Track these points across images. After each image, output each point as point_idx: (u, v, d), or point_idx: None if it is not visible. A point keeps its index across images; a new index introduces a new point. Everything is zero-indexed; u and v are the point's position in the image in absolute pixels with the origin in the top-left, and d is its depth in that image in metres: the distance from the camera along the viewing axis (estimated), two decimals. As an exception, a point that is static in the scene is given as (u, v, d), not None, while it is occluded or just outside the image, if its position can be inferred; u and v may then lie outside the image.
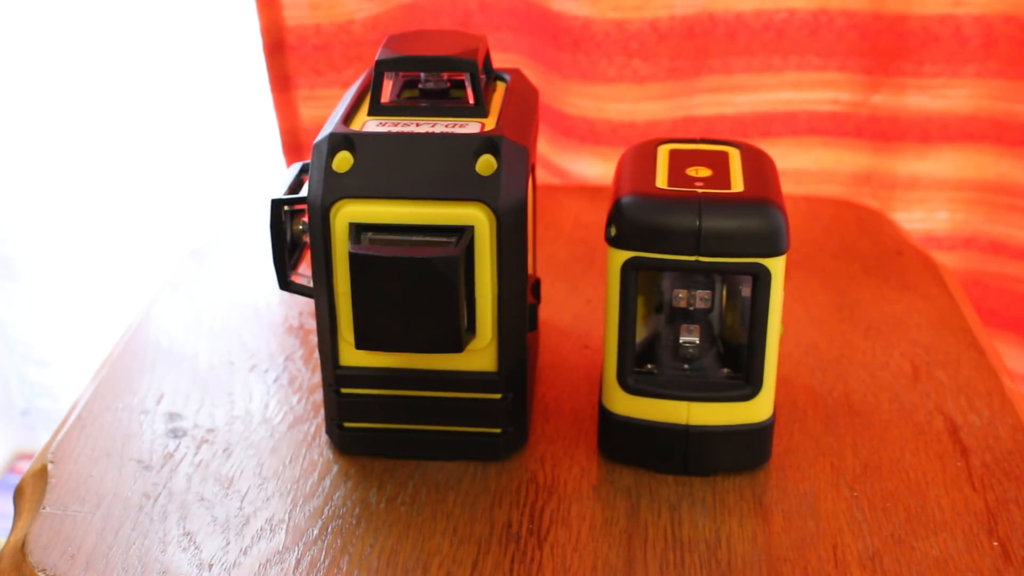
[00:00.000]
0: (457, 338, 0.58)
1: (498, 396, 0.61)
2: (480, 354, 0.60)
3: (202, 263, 0.87)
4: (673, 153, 0.62)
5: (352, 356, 0.61)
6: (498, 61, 1.10)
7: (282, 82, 1.08)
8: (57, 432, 0.66)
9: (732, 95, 1.06)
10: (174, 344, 0.75)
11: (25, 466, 0.70)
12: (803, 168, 1.10)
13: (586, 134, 1.08)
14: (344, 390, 0.62)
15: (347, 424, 0.63)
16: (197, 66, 1.34)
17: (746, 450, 0.61)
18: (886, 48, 1.02)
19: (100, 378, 0.72)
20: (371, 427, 0.63)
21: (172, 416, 0.67)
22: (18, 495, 0.62)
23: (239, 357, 0.74)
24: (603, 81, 1.05)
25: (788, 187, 1.08)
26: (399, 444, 0.63)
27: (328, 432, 0.64)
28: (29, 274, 1.52)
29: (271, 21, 1.05)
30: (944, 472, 0.62)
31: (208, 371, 0.72)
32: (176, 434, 0.66)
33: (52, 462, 0.63)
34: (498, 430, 0.62)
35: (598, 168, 1.09)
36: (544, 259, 0.85)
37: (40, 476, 0.62)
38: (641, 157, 0.62)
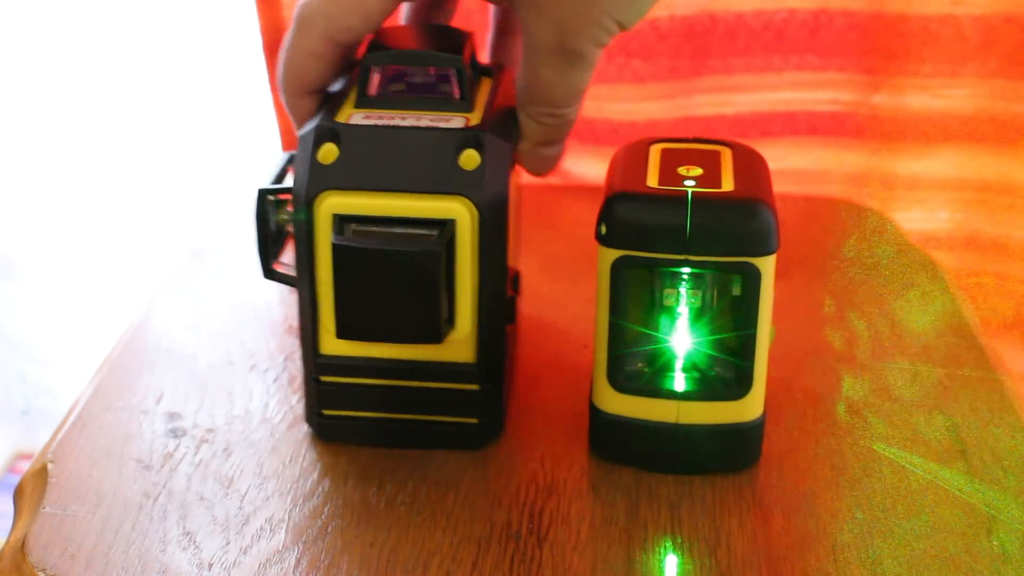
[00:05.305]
0: (437, 329, 0.59)
1: (476, 387, 0.62)
2: (459, 345, 0.61)
3: (202, 263, 0.87)
4: (665, 152, 0.62)
5: (333, 345, 0.62)
6: (498, 61, 1.10)
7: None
8: (57, 432, 0.66)
9: (732, 95, 1.06)
10: (174, 344, 0.75)
11: (25, 466, 0.70)
12: (803, 168, 1.10)
13: (586, 134, 1.08)
14: (324, 378, 0.62)
15: (326, 412, 0.63)
16: (197, 66, 1.34)
17: (737, 449, 0.61)
18: (886, 48, 1.02)
19: (100, 378, 0.72)
20: (350, 415, 0.63)
21: (172, 416, 0.67)
22: (18, 495, 0.62)
23: (239, 357, 0.74)
24: (602, 81, 1.05)
25: (788, 187, 1.09)
26: (377, 432, 0.64)
27: (308, 420, 0.65)
28: (28, 274, 1.52)
29: (271, 21, 1.05)
30: (944, 472, 0.62)
31: (208, 371, 0.72)
32: (176, 434, 0.66)
33: (52, 462, 0.63)
34: (475, 420, 0.63)
35: (598, 168, 1.09)
36: (544, 259, 0.85)
37: (40, 476, 0.62)
38: (633, 156, 0.62)
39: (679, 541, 0.57)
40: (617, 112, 1.06)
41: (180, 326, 0.78)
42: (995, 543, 0.57)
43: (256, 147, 1.31)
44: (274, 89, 1.08)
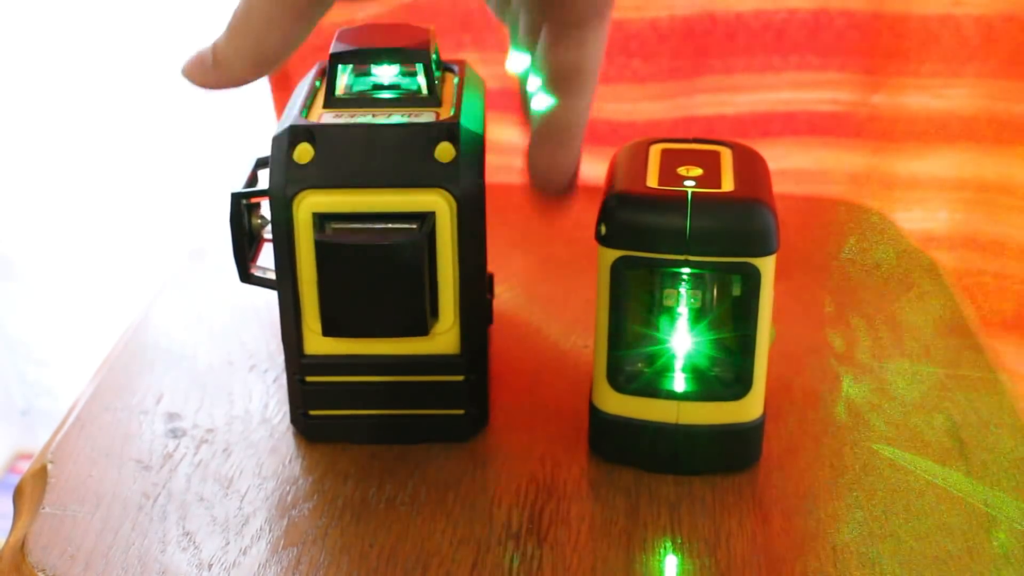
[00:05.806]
0: (423, 322, 0.59)
1: (461, 378, 0.63)
2: (443, 337, 0.62)
3: (202, 263, 0.87)
4: (665, 152, 0.62)
5: (317, 345, 0.62)
6: (498, 61, 1.10)
7: (282, 82, 1.08)
8: (57, 432, 0.66)
9: (732, 95, 1.06)
10: (174, 344, 0.75)
11: (25, 466, 0.70)
12: (803, 168, 1.10)
13: (586, 134, 1.08)
14: (309, 378, 0.62)
15: (312, 412, 0.63)
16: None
17: (737, 449, 0.61)
18: (886, 48, 1.02)
19: (99, 378, 0.72)
20: (335, 414, 0.64)
21: (171, 416, 0.67)
22: (18, 495, 0.62)
23: (239, 357, 0.74)
24: (603, 81, 1.04)
25: (788, 187, 1.08)
26: (363, 430, 0.64)
27: (293, 421, 0.65)
28: (28, 273, 1.52)
29: (271, 21, 1.05)
30: (944, 472, 0.62)
31: (208, 371, 0.72)
32: (175, 434, 0.66)
33: (52, 462, 0.63)
34: (461, 411, 0.63)
35: (598, 168, 1.08)
36: (544, 259, 0.85)
37: (40, 476, 0.62)
38: (633, 156, 0.62)
39: (679, 542, 0.57)
40: (617, 112, 1.06)
41: (180, 326, 0.78)
42: (995, 543, 0.57)
43: (256, 148, 1.31)
44: (275, 89, 1.08)
